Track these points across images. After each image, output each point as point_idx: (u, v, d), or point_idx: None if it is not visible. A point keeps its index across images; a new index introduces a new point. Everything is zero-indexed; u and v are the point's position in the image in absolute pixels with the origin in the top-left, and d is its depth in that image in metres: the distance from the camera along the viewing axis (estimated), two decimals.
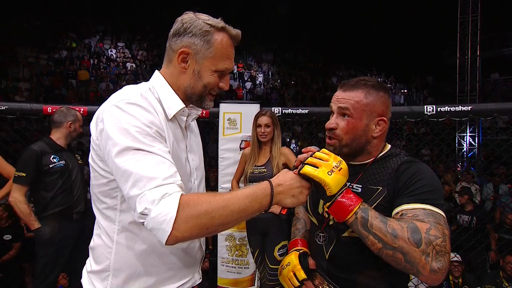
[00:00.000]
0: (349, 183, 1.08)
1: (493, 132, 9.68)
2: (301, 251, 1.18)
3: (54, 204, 2.51)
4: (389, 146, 1.17)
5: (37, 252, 2.51)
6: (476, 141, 9.71)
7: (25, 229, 3.59)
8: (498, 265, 3.64)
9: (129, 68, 14.70)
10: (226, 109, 3.10)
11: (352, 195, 0.97)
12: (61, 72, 12.81)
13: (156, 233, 0.83)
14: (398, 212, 0.98)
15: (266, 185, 0.93)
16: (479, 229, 4.07)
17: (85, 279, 1.08)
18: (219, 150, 3.13)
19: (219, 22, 1.03)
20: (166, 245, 0.84)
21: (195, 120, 1.24)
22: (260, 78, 16.73)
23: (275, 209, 2.11)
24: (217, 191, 3.16)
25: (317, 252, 1.16)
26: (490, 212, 5.25)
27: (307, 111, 3.16)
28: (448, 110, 2.79)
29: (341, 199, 0.96)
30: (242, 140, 3.07)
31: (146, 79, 1.11)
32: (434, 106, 2.84)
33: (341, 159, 0.99)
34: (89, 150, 1.03)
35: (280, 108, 3.18)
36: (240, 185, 2.88)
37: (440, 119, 2.85)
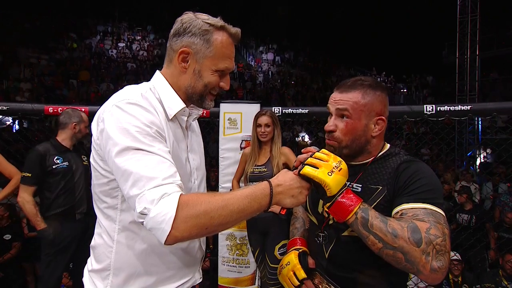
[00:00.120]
0: (349, 183, 1.08)
1: (493, 132, 9.70)
2: (300, 250, 1.18)
3: (56, 205, 2.53)
4: (388, 145, 1.17)
5: (41, 251, 2.54)
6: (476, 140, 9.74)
7: (26, 229, 3.60)
8: (497, 263, 3.65)
9: (129, 68, 14.72)
10: (227, 109, 3.11)
11: (352, 195, 0.98)
12: (62, 72, 12.84)
13: (155, 233, 0.84)
14: (398, 212, 0.98)
15: (266, 185, 0.93)
16: (479, 228, 4.08)
17: (86, 278, 1.09)
18: (219, 149, 3.14)
19: (218, 21, 1.03)
20: (165, 244, 0.84)
21: (196, 120, 1.24)
22: (260, 78, 16.74)
23: (275, 208, 2.11)
24: (218, 190, 3.18)
25: (316, 251, 1.16)
26: (490, 211, 5.26)
27: (307, 110, 3.17)
28: (448, 109, 2.80)
29: (341, 200, 0.96)
30: (242, 140, 3.08)
31: (147, 79, 1.12)
32: (433, 106, 2.85)
33: (341, 159, 0.99)
34: (90, 150, 1.04)
35: (280, 108, 3.18)
36: (240, 184, 2.89)
37: (439, 119, 2.86)
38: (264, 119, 2.66)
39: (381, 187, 1.05)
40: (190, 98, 1.08)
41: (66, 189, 2.55)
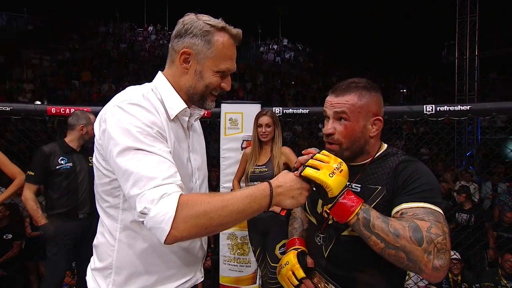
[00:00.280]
0: (348, 183, 1.08)
1: (492, 132, 9.72)
2: (299, 250, 1.18)
3: (59, 205, 2.57)
4: (385, 145, 1.18)
5: (46, 250, 2.59)
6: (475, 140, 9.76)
7: (29, 229, 3.63)
8: (496, 263, 3.67)
9: (130, 69, 14.74)
10: (228, 109, 3.13)
11: (353, 196, 0.98)
12: (64, 73, 12.89)
13: (155, 232, 0.84)
14: (398, 211, 0.99)
15: (266, 186, 0.94)
16: (478, 227, 4.09)
17: (89, 276, 1.10)
18: (220, 149, 3.15)
19: (219, 22, 1.04)
20: (165, 244, 0.85)
21: (198, 120, 1.24)
22: (260, 78, 16.75)
23: (276, 209, 2.14)
24: (219, 190, 3.19)
25: (315, 251, 1.16)
26: (489, 210, 5.28)
27: (307, 111, 3.18)
28: (447, 109, 2.81)
29: (343, 201, 0.96)
30: (243, 140, 3.10)
31: (148, 80, 1.13)
32: (433, 106, 2.85)
33: (341, 160, 0.99)
34: (93, 150, 1.05)
35: (281, 108, 3.19)
36: (241, 184, 2.91)
37: (439, 119, 2.87)
38: (265, 119, 2.67)
39: (380, 187, 1.06)
40: (191, 98, 1.08)
41: (69, 189, 2.58)
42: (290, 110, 3.21)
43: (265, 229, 2.67)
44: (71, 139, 2.69)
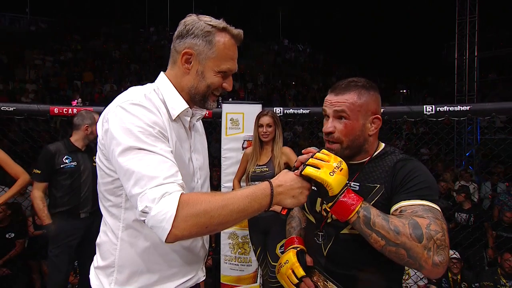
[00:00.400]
0: (347, 182, 1.08)
1: (491, 132, 9.74)
2: (298, 249, 1.19)
3: (62, 203, 2.60)
4: (383, 144, 1.19)
5: (48, 249, 2.62)
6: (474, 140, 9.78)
7: (32, 228, 3.65)
8: (496, 262, 3.68)
9: (132, 69, 14.76)
10: (229, 109, 3.14)
11: (353, 194, 0.99)
12: (67, 73, 12.93)
13: (156, 231, 0.86)
14: (397, 209, 1.00)
15: (266, 185, 0.94)
16: (477, 227, 4.11)
17: (92, 275, 1.11)
18: (221, 149, 3.17)
19: (220, 23, 1.04)
20: (166, 243, 0.85)
21: (200, 121, 1.25)
22: (261, 78, 16.77)
23: (277, 207, 2.16)
24: (220, 190, 3.21)
25: (315, 250, 1.17)
26: (488, 210, 5.30)
27: (308, 111, 3.20)
28: (447, 110, 2.82)
29: (343, 199, 0.97)
30: (244, 140, 3.12)
31: (150, 80, 1.14)
32: (433, 106, 2.87)
33: (341, 159, 1.00)
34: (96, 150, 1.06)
35: (282, 108, 3.21)
36: (242, 184, 2.93)
37: (439, 119, 2.89)
38: (265, 119, 2.69)
39: (378, 185, 1.07)
40: (193, 98, 1.09)
41: (72, 188, 2.62)
42: (291, 110, 3.22)
43: (266, 229, 2.69)
44: (76, 138, 2.73)
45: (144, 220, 0.87)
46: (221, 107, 3.15)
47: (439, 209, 0.98)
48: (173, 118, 1.05)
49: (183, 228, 0.84)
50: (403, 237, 0.91)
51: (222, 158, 3.17)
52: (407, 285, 3.37)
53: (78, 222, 2.64)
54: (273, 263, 2.64)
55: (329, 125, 1.11)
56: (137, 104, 0.96)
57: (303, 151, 1.07)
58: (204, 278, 1.21)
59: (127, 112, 0.94)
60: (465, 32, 10.32)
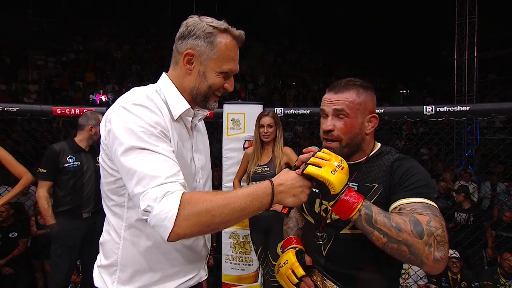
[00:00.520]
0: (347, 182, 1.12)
1: (491, 132, 9.76)
2: (297, 249, 1.19)
3: (64, 202, 2.63)
4: (379, 144, 1.21)
5: (50, 249, 2.64)
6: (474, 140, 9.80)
7: (35, 227, 3.67)
8: (495, 262, 3.70)
9: (133, 70, 14.78)
10: (230, 110, 3.16)
11: (354, 193, 0.99)
12: (69, 74, 12.95)
13: (158, 230, 0.86)
14: (396, 207, 1.01)
15: (267, 184, 0.95)
16: (477, 227, 4.13)
17: (95, 273, 1.13)
18: (223, 149, 3.19)
19: (222, 24, 1.05)
20: (168, 241, 0.86)
21: (202, 121, 1.27)
22: (262, 79, 16.78)
23: (278, 207, 2.18)
24: (221, 189, 3.23)
25: (314, 250, 1.17)
26: (488, 210, 5.31)
27: (308, 111, 3.22)
28: (447, 110, 2.84)
29: (345, 197, 0.98)
30: (245, 140, 3.14)
31: (151, 81, 1.15)
32: (433, 106, 2.88)
33: (342, 158, 1.01)
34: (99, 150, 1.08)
35: (282, 109, 3.23)
36: (242, 184, 2.95)
37: (439, 119, 2.90)
38: (266, 120, 2.70)
39: (377, 185, 1.09)
40: (194, 99, 1.10)
41: (75, 188, 2.64)
42: (292, 110, 3.24)
43: (267, 228, 2.71)
44: (81, 138, 2.77)
45: (147, 219, 0.88)
46: (222, 108, 3.17)
47: (436, 206, 1.00)
48: (175, 118, 1.06)
49: (185, 227, 0.85)
50: (405, 234, 0.92)
51: (223, 158, 3.19)
52: (407, 284, 3.39)
53: (80, 222, 2.66)
54: (274, 263, 2.65)
55: (328, 123, 1.12)
56: (139, 105, 0.97)
57: (304, 150, 1.09)
58: (206, 277, 1.23)
59: (129, 112, 0.96)
60: (464, 33, 10.34)
